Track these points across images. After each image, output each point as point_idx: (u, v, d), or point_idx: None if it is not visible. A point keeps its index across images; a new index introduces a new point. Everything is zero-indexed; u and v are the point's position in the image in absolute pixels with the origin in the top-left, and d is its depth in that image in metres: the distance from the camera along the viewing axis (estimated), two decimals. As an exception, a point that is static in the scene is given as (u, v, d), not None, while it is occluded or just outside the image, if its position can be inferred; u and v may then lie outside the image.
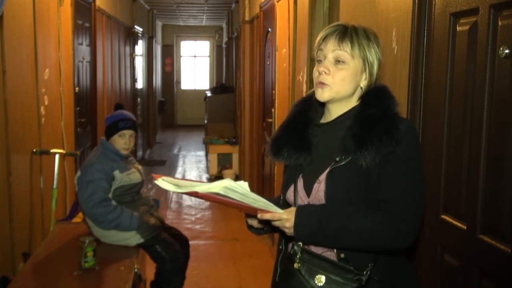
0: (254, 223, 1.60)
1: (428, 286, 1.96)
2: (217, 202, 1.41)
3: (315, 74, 1.53)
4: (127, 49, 7.92)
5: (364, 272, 1.42)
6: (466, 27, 1.72)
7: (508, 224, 1.51)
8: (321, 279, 1.43)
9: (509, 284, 1.51)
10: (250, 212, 1.49)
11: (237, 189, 1.34)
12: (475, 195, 1.65)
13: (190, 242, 3.42)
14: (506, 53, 1.49)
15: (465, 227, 1.72)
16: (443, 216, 1.86)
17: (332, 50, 1.50)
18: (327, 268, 1.44)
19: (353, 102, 1.55)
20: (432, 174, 1.92)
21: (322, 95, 1.52)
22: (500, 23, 1.55)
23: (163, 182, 1.40)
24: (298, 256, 1.48)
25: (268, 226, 1.58)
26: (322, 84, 1.51)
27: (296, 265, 1.48)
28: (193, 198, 6.63)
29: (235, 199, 1.36)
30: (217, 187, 1.32)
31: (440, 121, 1.86)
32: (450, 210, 1.83)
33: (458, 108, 1.76)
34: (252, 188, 1.45)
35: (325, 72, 1.50)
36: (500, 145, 1.54)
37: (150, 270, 3.32)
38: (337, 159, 1.46)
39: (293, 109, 1.67)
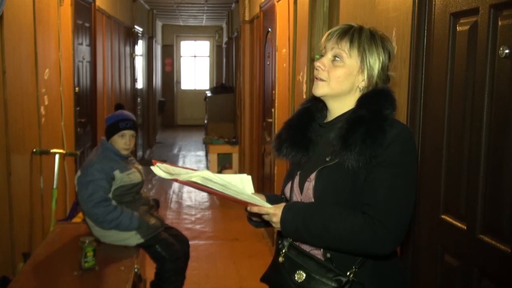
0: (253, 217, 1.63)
1: (428, 286, 1.96)
2: (202, 190, 1.47)
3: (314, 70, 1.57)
4: (127, 49, 7.92)
5: (347, 274, 1.42)
6: (466, 27, 1.72)
7: (508, 224, 1.51)
8: (301, 276, 1.46)
9: (509, 284, 1.51)
10: (240, 204, 1.52)
11: (216, 180, 1.40)
12: (475, 195, 1.65)
13: (190, 242, 3.42)
14: (506, 53, 1.49)
15: (465, 227, 1.72)
16: (443, 216, 1.86)
17: (331, 47, 1.52)
18: (309, 266, 1.46)
19: (352, 104, 1.54)
20: (432, 174, 1.92)
21: (317, 89, 1.54)
22: (500, 23, 1.55)
23: (157, 168, 1.51)
24: (284, 251, 1.52)
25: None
26: (318, 79, 1.53)
27: (280, 259, 1.52)
28: (193, 198, 6.64)
29: (215, 189, 1.42)
30: (195, 176, 1.39)
31: (440, 121, 1.86)
32: (450, 210, 1.83)
33: (458, 108, 1.76)
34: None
35: (321, 68, 1.52)
36: (500, 145, 1.54)
37: (150, 270, 3.32)
38: (327, 159, 1.48)
39: (300, 107, 1.69)
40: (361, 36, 1.50)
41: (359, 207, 1.42)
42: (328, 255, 1.46)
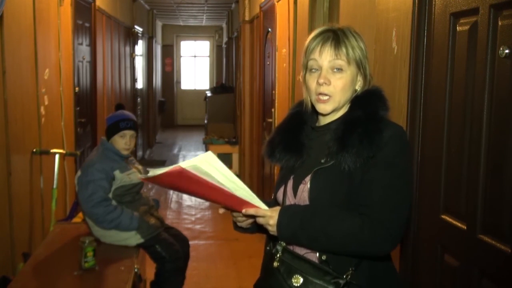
0: (243, 223, 1.59)
1: (428, 286, 1.96)
2: (182, 190, 1.47)
3: (312, 85, 1.51)
4: (127, 49, 7.92)
5: (344, 276, 1.41)
6: (466, 27, 1.72)
7: (508, 224, 1.51)
8: (298, 280, 1.43)
9: (509, 284, 1.51)
10: (235, 206, 1.49)
11: (219, 167, 1.37)
12: (475, 195, 1.65)
13: (190, 242, 3.42)
14: (506, 53, 1.50)
15: (465, 227, 1.72)
16: (443, 216, 1.86)
17: (329, 60, 1.48)
18: (306, 269, 1.44)
19: (347, 106, 1.54)
20: (432, 174, 1.92)
21: (325, 108, 1.50)
22: (500, 23, 1.55)
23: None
24: (278, 255, 1.49)
25: (254, 226, 1.58)
26: (324, 96, 1.49)
27: (275, 264, 1.49)
28: (193, 198, 6.63)
29: (217, 179, 1.37)
30: (200, 161, 1.35)
31: (440, 121, 1.86)
32: (450, 210, 1.83)
33: (458, 108, 1.76)
34: (252, 188, 1.46)
35: (326, 83, 1.48)
36: (500, 145, 1.54)
37: (150, 270, 3.32)
38: (322, 161, 1.47)
39: (290, 111, 1.68)
40: (349, 39, 1.48)
41: (355, 208, 1.41)
42: (324, 257, 1.44)
